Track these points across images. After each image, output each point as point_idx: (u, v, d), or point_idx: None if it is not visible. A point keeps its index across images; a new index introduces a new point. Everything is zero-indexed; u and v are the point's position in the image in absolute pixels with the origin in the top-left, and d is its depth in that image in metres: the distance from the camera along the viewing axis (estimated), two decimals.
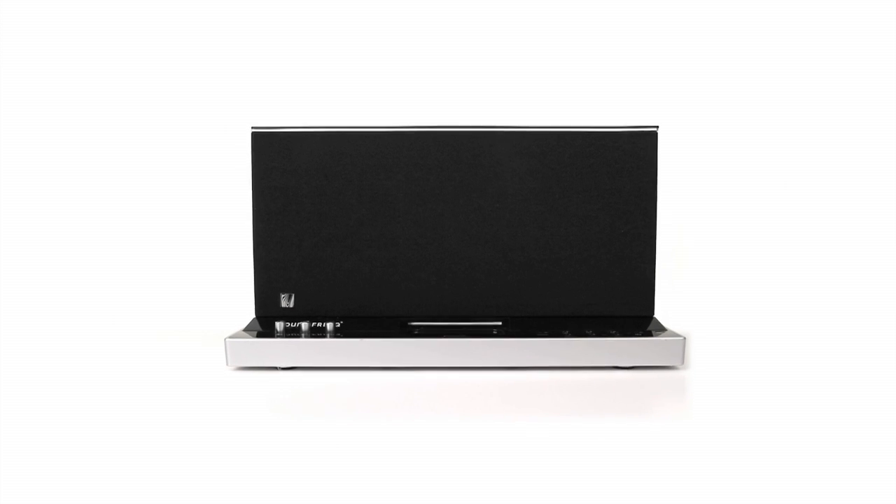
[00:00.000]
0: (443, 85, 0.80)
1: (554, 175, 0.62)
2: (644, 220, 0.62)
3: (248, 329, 0.63)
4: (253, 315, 0.64)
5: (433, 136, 0.62)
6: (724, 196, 0.81)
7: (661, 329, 0.61)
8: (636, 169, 0.62)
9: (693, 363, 0.62)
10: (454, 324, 0.63)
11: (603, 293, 0.63)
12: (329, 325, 0.61)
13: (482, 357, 0.59)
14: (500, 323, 0.63)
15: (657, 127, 0.63)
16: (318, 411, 0.51)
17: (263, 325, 0.62)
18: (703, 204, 0.82)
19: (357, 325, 0.62)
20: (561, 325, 0.61)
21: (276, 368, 0.60)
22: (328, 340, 0.60)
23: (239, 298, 0.70)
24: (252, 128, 0.63)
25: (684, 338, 0.59)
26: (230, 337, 0.60)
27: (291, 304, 0.64)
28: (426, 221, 0.63)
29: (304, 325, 0.61)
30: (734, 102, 0.80)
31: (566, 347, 0.59)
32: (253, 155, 0.63)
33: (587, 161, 0.62)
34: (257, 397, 0.54)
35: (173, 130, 0.81)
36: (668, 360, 0.59)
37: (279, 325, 0.61)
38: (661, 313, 0.66)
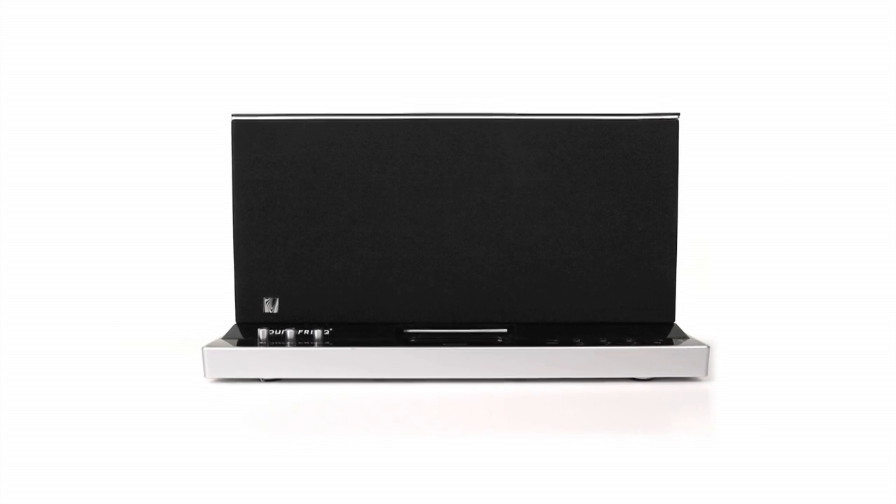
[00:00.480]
0: (442, 69, 0.78)
1: (565, 167, 0.61)
2: (664, 216, 0.61)
3: (228, 337, 0.61)
4: (234, 321, 0.63)
5: (432, 125, 0.61)
6: (751, 190, 0.79)
7: (683, 337, 0.60)
8: (655, 160, 0.60)
9: (717, 374, 0.60)
10: (455, 331, 0.61)
11: (618, 297, 0.61)
12: (317, 333, 0.59)
13: (486, 368, 0.58)
14: (505, 330, 0.61)
15: (678, 114, 0.61)
16: (304, 428, 0.49)
17: (245, 333, 0.61)
18: (729, 199, 0.80)
19: (348, 333, 0.60)
20: (572, 332, 0.60)
21: (258, 380, 0.59)
22: (316, 349, 0.58)
23: (219, 303, 0.68)
24: (232, 115, 0.62)
25: (708, 346, 0.58)
26: (208, 346, 0.58)
27: (275, 310, 0.62)
28: (424, 218, 0.61)
29: (290, 333, 0.59)
30: (763, 87, 0.78)
31: (578, 357, 0.57)
32: (233, 145, 0.61)
33: (601, 152, 0.61)
34: (237, 412, 0.52)
35: (147, 117, 0.79)
36: (689, 370, 0.57)
37: (262, 333, 0.59)
38: (682, 319, 0.65)
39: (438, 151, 0.61)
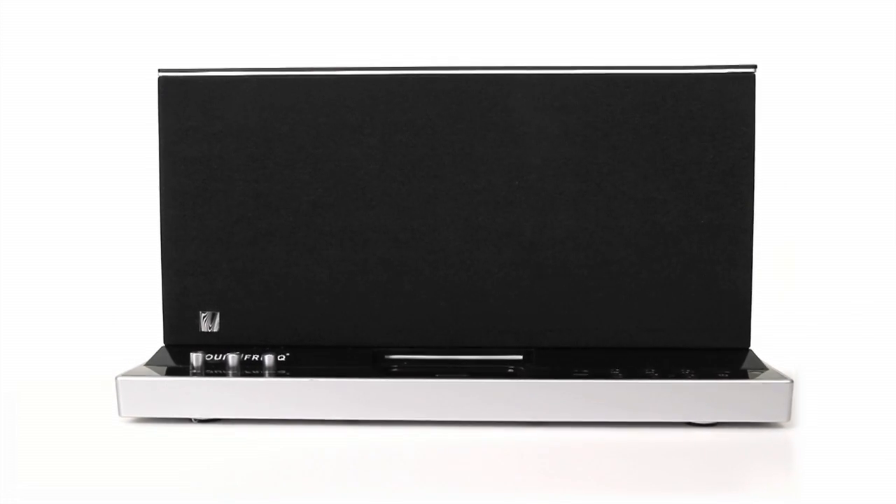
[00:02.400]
0: (435, 5, 0.76)
1: (600, 139, 0.58)
2: (735, 206, 0.58)
3: (152, 363, 0.59)
4: (162, 343, 0.61)
5: (422, 82, 0.59)
6: (856, 175, 0.78)
7: (760, 368, 0.57)
8: (723, 130, 0.58)
9: (803, 418, 0.58)
10: (452, 358, 0.59)
11: (673, 315, 0.58)
12: (268, 359, 0.58)
13: (493, 407, 0.56)
14: (520, 357, 0.59)
15: (755, 67, 0.58)
16: (245, 487, 0.48)
17: (175, 358, 0.60)
18: (826, 184, 0.78)
19: (310, 358, 0.59)
20: (610, 360, 0.58)
21: (189, 420, 0.57)
22: (266, 380, 0.56)
23: (146, 318, 0.67)
24: (159, 71, 0.60)
25: (791, 381, 0.55)
26: (123, 375, 0.57)
27: (215, 328, 0.60)
28: (411, 207, 0.59)
29: (232, 359, 0.57)
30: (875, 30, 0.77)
31: (616, 393, 0.55)
32: (160, 111, 0.60)
33: (649, 118, 0.58)
34: (154, 465, 0.51)
35: (54, 73, 0.79)
36: (767, 413, 0.55)
37: (195, 358, 0.57)
38: (759, 345, 0.63)
39: (430, 118, 0.59)
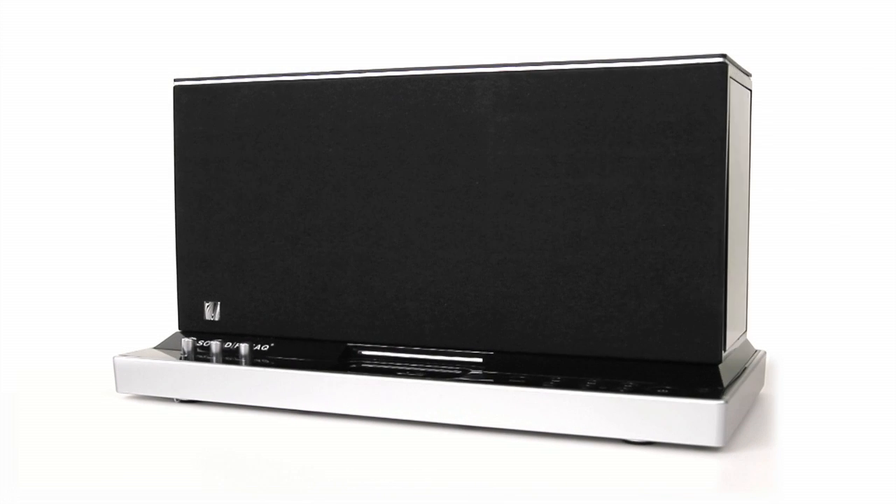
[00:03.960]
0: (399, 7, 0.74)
1: (559, 137, 0.54)
2: (701, 209, 0.52)
3: (163, 346, 0.63)
4: (177, 328, 0.65)
5: (383, 84, 0.59)
6: (836, 170, 0.74)
7: (712, 386, 0.51)
8: (687, 124, 0.52)
9: (741, 443, 0.52)
10: (416, 356, 0.58)
11: (635, 324, 0.53)
12: (243, 348, 0.59)
13: (429, 408, 0.54)
14: (479, 360, 0.57)
15: (724, 56, 0.52)
16: (189, 469, 0.49)
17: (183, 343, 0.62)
18: (800, 183, 0.74)
19: (290, 349, 0.60)
20: (573, 367, 0.54)
21: (171, 400, 0.61)
22: (235, 368, 0.58)
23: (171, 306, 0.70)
24: (175, 80, 0.64)
25: (723, 403, 0.48)
26: (121, 355, 0.61)
27: (216, 317, 0.63)
28: (378, 207, 0.59)
29: (215, 346, 0.60)
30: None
31: (550, 403, 0.51)
32: (175, 117, 0.63)
33: (614, 114, 0.53)
34: (126, 437, 0.54)
35: (82, 86, 0.86)
36: (696, 435, 0.49)
37: (185, 344, 0.60)
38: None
39: (392, 118, 0.58)
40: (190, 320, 0.64)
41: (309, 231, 0.61)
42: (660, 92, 0.53)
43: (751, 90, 0.61)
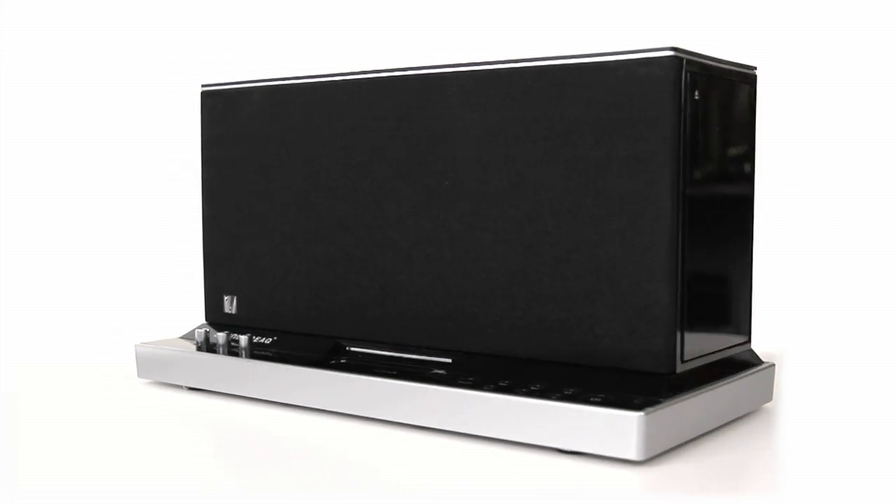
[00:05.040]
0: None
1: (523, 137, 0.53)
2: (652, 209, 0.49)
3: (187, 336, 0.67)
4: (203, 320, 0.68)
5: (351, 86, 0.60)
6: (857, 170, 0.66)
7: (653, 395, 0.48)
8: (640, 122, 0.49)
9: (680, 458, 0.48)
10: (394, 354, 0.59)
11: (590, 329, 0.51)
12: (243, 340, 0.62)
13: (380, 406, 0.55)
14: (449, 360, 0.56)
15: (675, 50, 0.49)
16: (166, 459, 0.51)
17: (206, 334, 0.66)
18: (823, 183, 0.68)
19: (289, 343, 0.62)
20: (524, 372, 0.53)
21: (180, 387, 0.64)
22: (231, 360, 0.61)
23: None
24: (202, 86, 0.67)
25: (642, 414, 0.46)
26: (141, 344, 0.66)
27: (233, 310, 0.67)
28: (362, 206, 0.59)
29: (221, 338, 0.63)
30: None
31: (487, 408, 0.51)
32: (203, 120, 0.67)
33: (569, 112, 0.52)
34: (133, 420, 0.57)
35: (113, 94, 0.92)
36: (612, 447, 0.47)
37: (198, 335, 0.64)
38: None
39: (367, 117, 0.59)
40: (214, 313, 0.68)
41: (305, 229, 0.63)
42: (611, 89, 0.51)
43: (751, 85, 0.57)
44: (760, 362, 0.58)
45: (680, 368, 0.51)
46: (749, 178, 0.57)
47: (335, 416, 0.57)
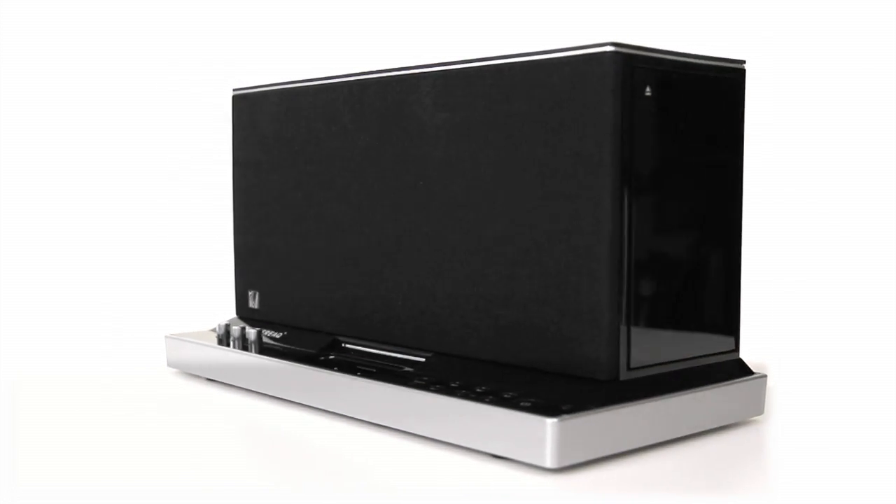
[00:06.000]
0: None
1: (483, 134, 0.53)
2: (592, 209, 0.48)
3: (215, 329, 0.69)
4: (234, 314, 0.71)
5: (345, 88, 0.61)
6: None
7: (585, 402, 0.47)
8: (581, 120, 0.48)
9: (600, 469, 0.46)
10: (376, 351, 0.60)
11: (539, 332, 0.50)
12: (252, 334, 0.65)
13: (349, 403, 0.56)
14: (423, 359, 0.57)
15: (615, 45, 0.47)
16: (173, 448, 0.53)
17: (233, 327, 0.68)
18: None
19: (296, 338, 0.64)
20: (486, 375, 0.52)
21: (200, 378, 0.67)
22: (238, 354, 0.63)
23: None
24: (234, 90, 0.70)
25: (554, 421, 0.44)
26: (171, 336, 0.70)
27: (256, 305, 0.69)
28: (357, 204, 0.60)
29: (235, 331, 0.65)
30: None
31: (425, 406, 0.51)
32: (234, 122, 0.70)
33: (518, 111, 0.51)
34: (124, 409, 0.60)
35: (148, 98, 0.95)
36: (532, 454, 0.45)
37: (219, 328, 0.67)
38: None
39: (358, 118, 0.60)
40: (242, 308, 0.71)
41: (308, 228, 0.64)
42: (556, 86, 0.50)
43: (735, 80, 0.54)
44: (748, 373, 0.55)
45: (626, 376, 0.49)
46: (729, 177, 0.54)
47: (309, 410, 0.59)
